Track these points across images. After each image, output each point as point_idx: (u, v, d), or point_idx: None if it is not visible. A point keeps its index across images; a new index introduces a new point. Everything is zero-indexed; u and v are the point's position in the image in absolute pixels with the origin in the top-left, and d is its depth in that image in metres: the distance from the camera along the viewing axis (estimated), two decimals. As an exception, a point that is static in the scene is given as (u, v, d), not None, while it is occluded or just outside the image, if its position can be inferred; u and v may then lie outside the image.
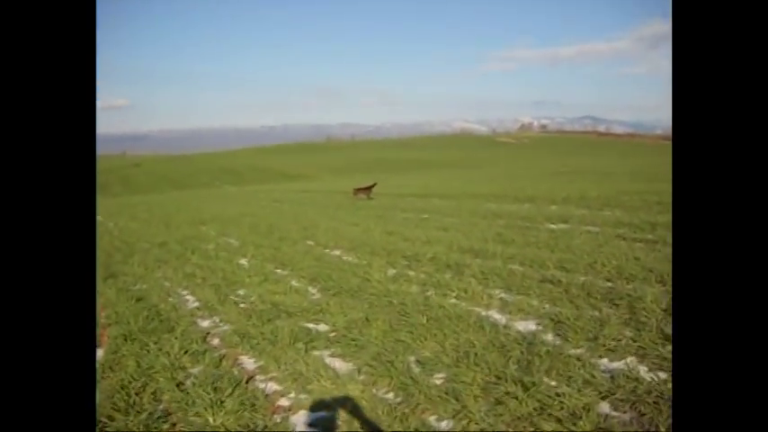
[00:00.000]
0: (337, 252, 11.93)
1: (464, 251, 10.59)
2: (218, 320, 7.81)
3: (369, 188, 26.41)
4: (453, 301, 7.50)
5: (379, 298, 7.86)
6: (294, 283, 9.45)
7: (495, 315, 6.82)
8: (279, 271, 10.57)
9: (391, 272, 9.50)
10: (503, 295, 7.57)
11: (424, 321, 6.65)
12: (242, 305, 8.34)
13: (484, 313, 6.89)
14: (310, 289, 8.99)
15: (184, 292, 9.65)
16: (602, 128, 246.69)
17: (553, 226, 13.20)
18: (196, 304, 8.75)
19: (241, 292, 9.19)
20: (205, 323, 7.76)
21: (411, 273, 9.27)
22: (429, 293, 7.93)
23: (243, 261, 11.94)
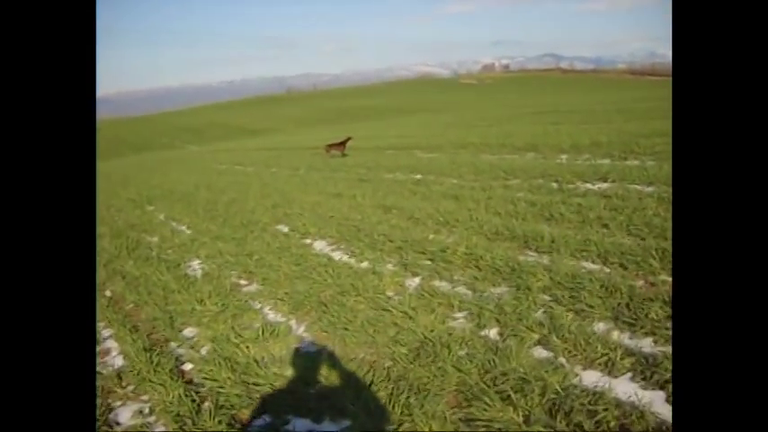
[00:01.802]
0: (323, 246, 8.98)
1: (504, 238, 7.75)
2: (146, 409, 4.92)
3: (343, 143, 23.47)
4: (544, 353, 4.66)
5: (412, 350, 5.01)
6: (268, 312, 6.59)
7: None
8: (244, 286, 7.69)
9: (412, 282, 6.66)
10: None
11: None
12: (187, 369, 5.54)
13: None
14: (293, 326, 6.07)
15: (104, 334, 6.81)
16: (564, 65, 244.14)
17: (591, 186, 10.45)
18: (118, 363, 5.90)
19: (188, 332, 6.35)
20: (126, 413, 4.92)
21: (442, 285, 6.42)
22: (500, 337, 5.03)
23: (193, 266, 9.07)
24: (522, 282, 6.02)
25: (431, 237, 8.26)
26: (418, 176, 14.46)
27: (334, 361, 5.06)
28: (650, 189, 9.38)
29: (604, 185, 10.37)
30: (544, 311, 5.32)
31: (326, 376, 4.85)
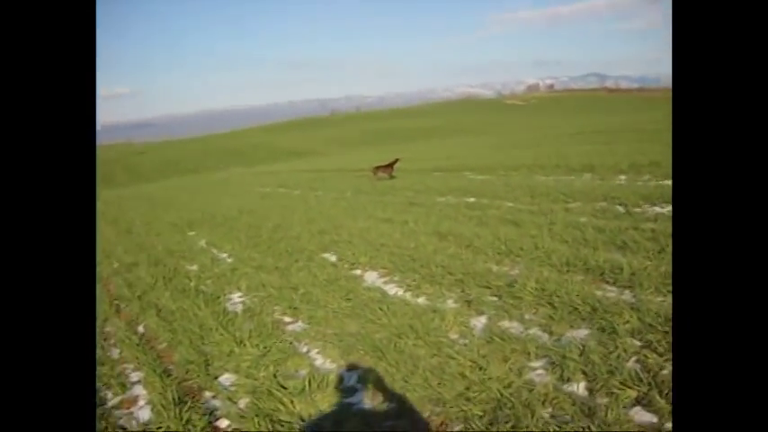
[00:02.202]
0: (375, 278, 8.20)
1: (576, 270, 6.98)
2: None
3: (390, 165, 22.72)
4: (647, 415, 3.92)
5: (487, 411, 4.27)
6: (315, 356, 5.87)
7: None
8: (288, 324, 6.98)
9: (477, 322, 5.92)
10: None
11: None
12: (222, 425, 4.87)
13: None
14: (345, 375, 5.32)
15: (133, 378, 6.22)
16: (609, 84, 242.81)
17: (661, 209, 9.73)
18: (144, 417, 5.30)
19: (225, 379, 5.67)
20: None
21: (513, 326, 5.68)
22: (589, 393, 4.29)
23: (234, 299, 8.40)
24: (605, 323, 5.25)
25: (494, 268, 7.52)
26: (471, 199, 13.73)
27: (393, 422, 4.35)
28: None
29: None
30: (637, 360, 4.57)
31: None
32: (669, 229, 7.92)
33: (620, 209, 10.15)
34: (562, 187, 13.20)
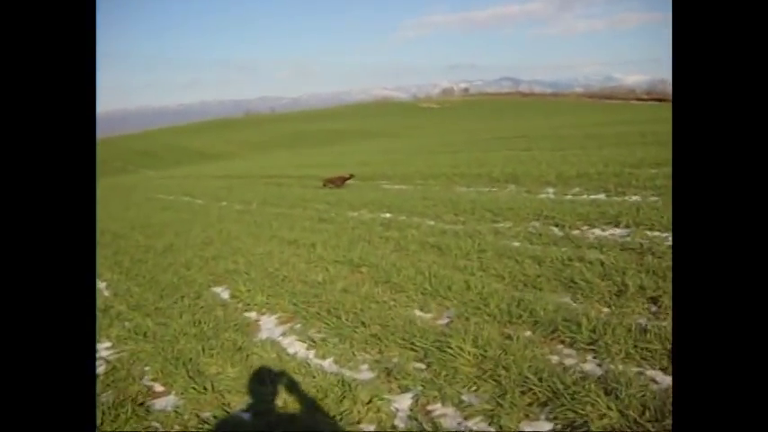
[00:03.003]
0: (272, 326, 6.72)
1: (524, 324, 5.58)
2: None
3: (342, 179, 19.82)
4: None
5: None
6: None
7: None
8: (158, 398, 5.37)
9: (400, 405, 4.48)
10: None
11: None
12: None
13: None
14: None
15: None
16: (523, 88, 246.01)
17: (602, 232, 8.66)
18: None
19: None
20: None
21: (448, 413, 4.29)
22: None
23: (99, 352, 6.71)
24: (574, 415, 3.89)
25: (418, 316, 6.17)
26: (387, 215, 12.40)
27: None
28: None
29: (618, 231, 8.47)
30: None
31: None
32: (620, 263, 6.76)
33: (557, 231, 8.97)
34: (486, 202, 11.97)
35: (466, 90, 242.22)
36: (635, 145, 19.62)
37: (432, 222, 10.97)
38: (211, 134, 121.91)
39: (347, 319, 6.26)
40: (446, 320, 5.98)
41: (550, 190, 13.19)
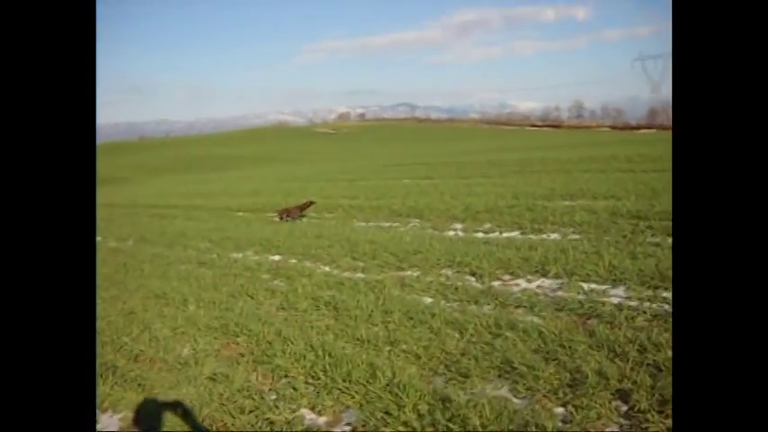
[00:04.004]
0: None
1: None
2: None
3: (301, 207, 16.82)
4: None
5: None
6: None
7: None
8: None
9: None
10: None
11: None
12: None
13: None
14: None
15: None
16: (419, 114, 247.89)
17: (528, 284, 7.35)
18: None
19: None
20: None
21: None
22: None
23: None
24: None
25: (307, 420, 4.60)
26: (276, 257, 10.78)
27: None
28: (619, 291, 6.53)
29: (548, 283, 7.16)
30: None
31: None
32: (561, 331, 5.38)
33: (474, 282, 7.61)
34: (389, 243, 10.50)
35: (362, 115, 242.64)
36: (539, 173, 19.00)
37: (327, 269, 9.44)
38: (103, 158, 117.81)
39: (211, 425, 4.63)
40: (345, 429, 4.42)
41: (458, 226, 11.92)
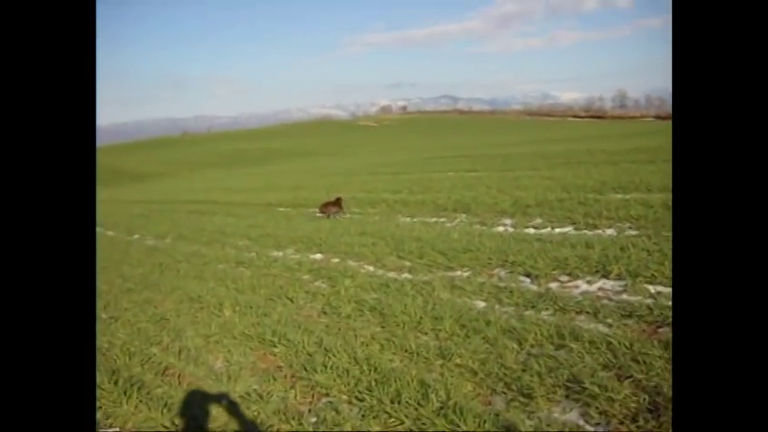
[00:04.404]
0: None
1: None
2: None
3: (337, 202, 16.91)
4: None
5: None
6: None
7: None
8: None
9: None
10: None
11: None
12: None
13: None
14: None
15: None
16: (461, 106, 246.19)
17: (589, 287, 6.71)
18: None
19: None
20: None
21: None
22: None
23: None
24: None
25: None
26: (318, 256, 10.30)
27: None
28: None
29: (610, 285, 6.57)
30: None
31: None
32: (632, 343, 4.81)
33: (529, 283, 7.08)
34: (436, 240, 9.96)
35: (404, 108, 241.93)
36: (587, 165, 18.13)
37: (371, 268, 8.93)
38: (145, 154, 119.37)
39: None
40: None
41: (507, 221, 11.31)
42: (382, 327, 6.22)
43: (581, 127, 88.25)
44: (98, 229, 19.87)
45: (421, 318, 6.21)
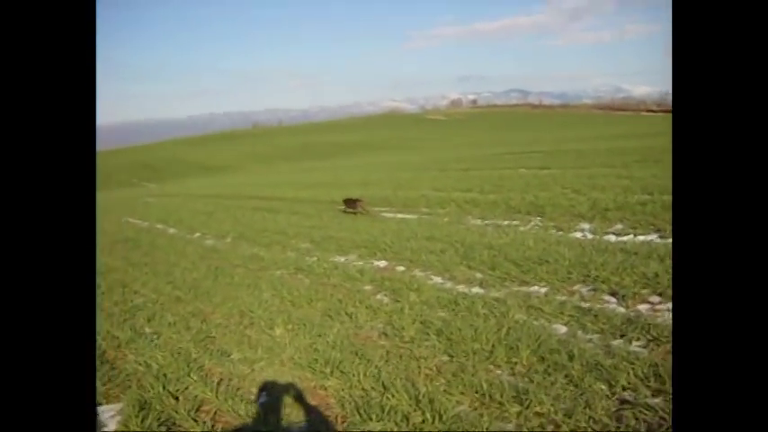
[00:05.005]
0: None
1: None
2: None
3: (355, 202, 17.16)
4: None
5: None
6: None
7: None
8: None
9: None
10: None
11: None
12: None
13: None
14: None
15: None
16: (532, 99, 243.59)
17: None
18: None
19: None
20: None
21: None
22: None
23: None
24: None
25: None
26: (382, 264, 9.64)
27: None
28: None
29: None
30: None
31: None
32: None
33: (615, 305, 6.25)
34: (509, 248, 9.22)
35: (474, 101, 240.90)
36: (665, 163, 16.87)
37: (438, 280, 8.21)
38: (217, 146, 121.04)
39: None
40: None
41: (585, 226, 10.49)
42: (450, 356, 5.48)
43: (656, 122, 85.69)
44: (159, 226, 19.58)
45: (494, 346, 5.47)
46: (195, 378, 5.83)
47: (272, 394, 5.29)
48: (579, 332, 5.62)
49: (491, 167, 24.85)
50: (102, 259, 13.51)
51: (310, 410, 4.86)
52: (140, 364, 6.41)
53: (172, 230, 18.16)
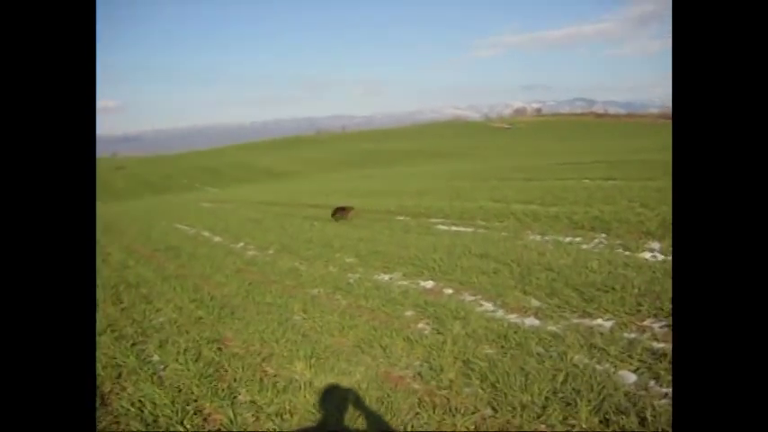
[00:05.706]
0: None
1: None
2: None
3: (347, 210, 18.64)
4: None
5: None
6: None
7: None
8: None
9: None
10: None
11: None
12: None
13: None
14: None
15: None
16: (597, 109, 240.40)
17: None
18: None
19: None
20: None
21: None
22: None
23: None
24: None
25: None
26: (429, 285, 8.72)
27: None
28: None
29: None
30: None
31: None
32: None
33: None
34: (570, 270, 8.23)
35: (538, 110, 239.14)
36: None
37: (489, 306, 7.27)
38: (280, 152, 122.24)
39: None
40: None
41: (655, 246, 9.42)
42: (494, 410, 4.55)
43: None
44: (206, 234, 18.99)
45: (547, 399, 4.52)
46: (189, 426, 4.97)
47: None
48: (652, 383, 4.65)
49: (554, 177, 23.73)
50: (138, 270, 12.88)
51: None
52: (133, 405, 5.56)
53: (217, 239, 17.50)
